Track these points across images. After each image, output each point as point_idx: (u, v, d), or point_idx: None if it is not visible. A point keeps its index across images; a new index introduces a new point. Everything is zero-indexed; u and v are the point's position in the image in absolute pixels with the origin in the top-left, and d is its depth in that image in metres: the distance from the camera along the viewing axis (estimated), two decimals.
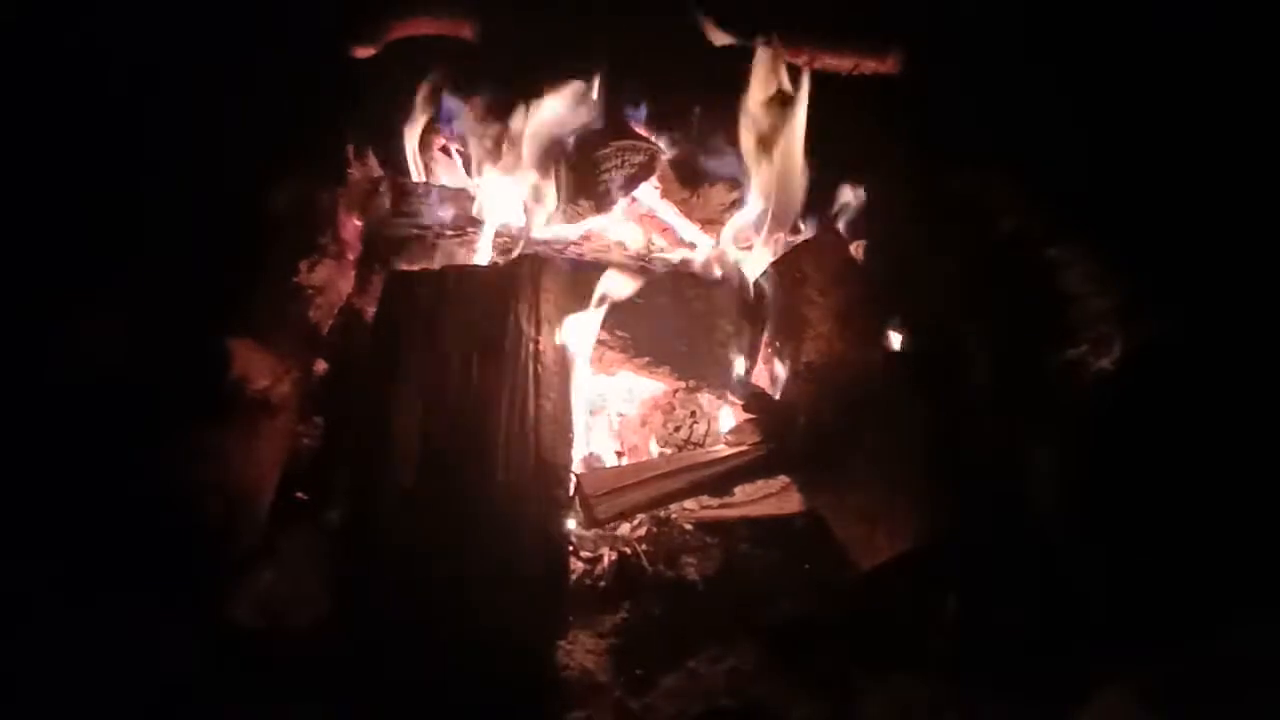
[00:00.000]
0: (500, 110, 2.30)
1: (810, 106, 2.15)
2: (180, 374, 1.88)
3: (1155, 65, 2.10)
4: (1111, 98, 2.10)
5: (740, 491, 2.06)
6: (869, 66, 2.36)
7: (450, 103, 2.33)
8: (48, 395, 1.87)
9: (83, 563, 1.75)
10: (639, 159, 2.30)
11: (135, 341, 1.92)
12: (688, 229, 2.40)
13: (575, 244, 2.26)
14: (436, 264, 2.17)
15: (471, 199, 2.32)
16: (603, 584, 1.93)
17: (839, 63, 2.35)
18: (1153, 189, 1.98)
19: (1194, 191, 1.97)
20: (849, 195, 2.26)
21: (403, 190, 2.30)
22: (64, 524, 1.78)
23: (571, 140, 2.29)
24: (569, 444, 1.92)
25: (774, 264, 2.17)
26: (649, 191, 2.40)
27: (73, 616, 1.71)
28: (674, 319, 2.14)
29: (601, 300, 2.04)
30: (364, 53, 2.37)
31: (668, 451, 2.13)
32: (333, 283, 2.16)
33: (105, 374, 1.88)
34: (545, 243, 2.23)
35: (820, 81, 2.23)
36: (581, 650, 1.81)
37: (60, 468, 1.81)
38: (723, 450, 2.03)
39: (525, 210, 2.29)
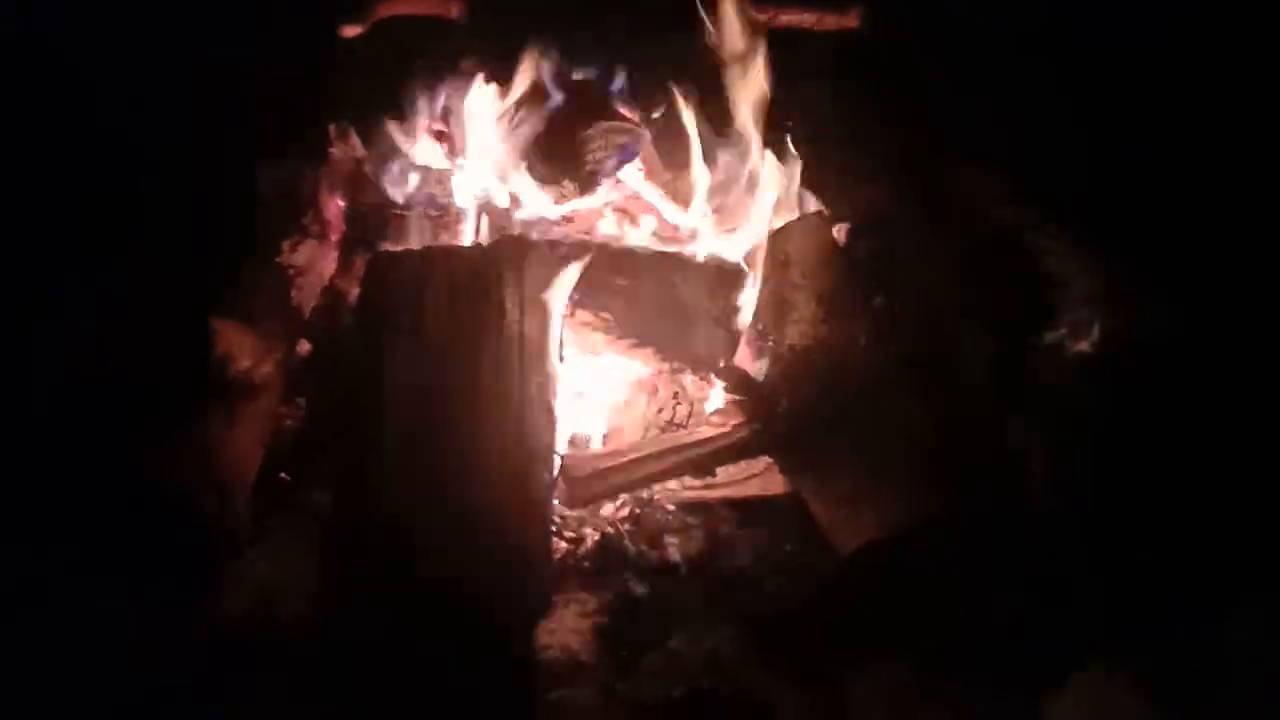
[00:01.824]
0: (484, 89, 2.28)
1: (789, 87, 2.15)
2: (162, 355, 1.87)
3: (1148, 58, 2.11)
4: (1105, 90, 2.11)
5: (723, 473, 2.07)
6: (830, 23, 2.37)
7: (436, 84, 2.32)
8: (30, 382, 1.86)
9: (66, 549, 1.74)
10: (623, 141, 2.30)
11: (116, 324, 1.91)
12: (671, 210, 2.39)
13: (559, 225, 2.25)
14: (419, 245, 2.16)
15: (455, 180, 2.31)
16: (586, 564, 1.94)
17: (800, 19, 2.36)
18: (1142, 179, 1.99)
19: (1184, 182, 1.98)
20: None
21: (386, 171, 2.29)
22: (48, 511, 1.77)
23: (553, 119, 2.28)
24: (553, 425, 1.92)
25: (758, 246, 2.17)
26: (633, 173, 2.39)
27: (58, 604, 1.70)
28: (658, 301, 2.14)
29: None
30: (351, 31, 2.35)
31: (652, 433, 2.14)
32: (315, 263, 2.15)
33: (86, 357, 1.87)
34: (529, 224, 2.23)
35: (810, 67, 2.23)
36: (565, 630, 1.82)
37: (41, 454, 1.80)
38: (706, 432, 2.03)
39: (509, 192, 2.29)
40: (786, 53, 2.28)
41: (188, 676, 1.67)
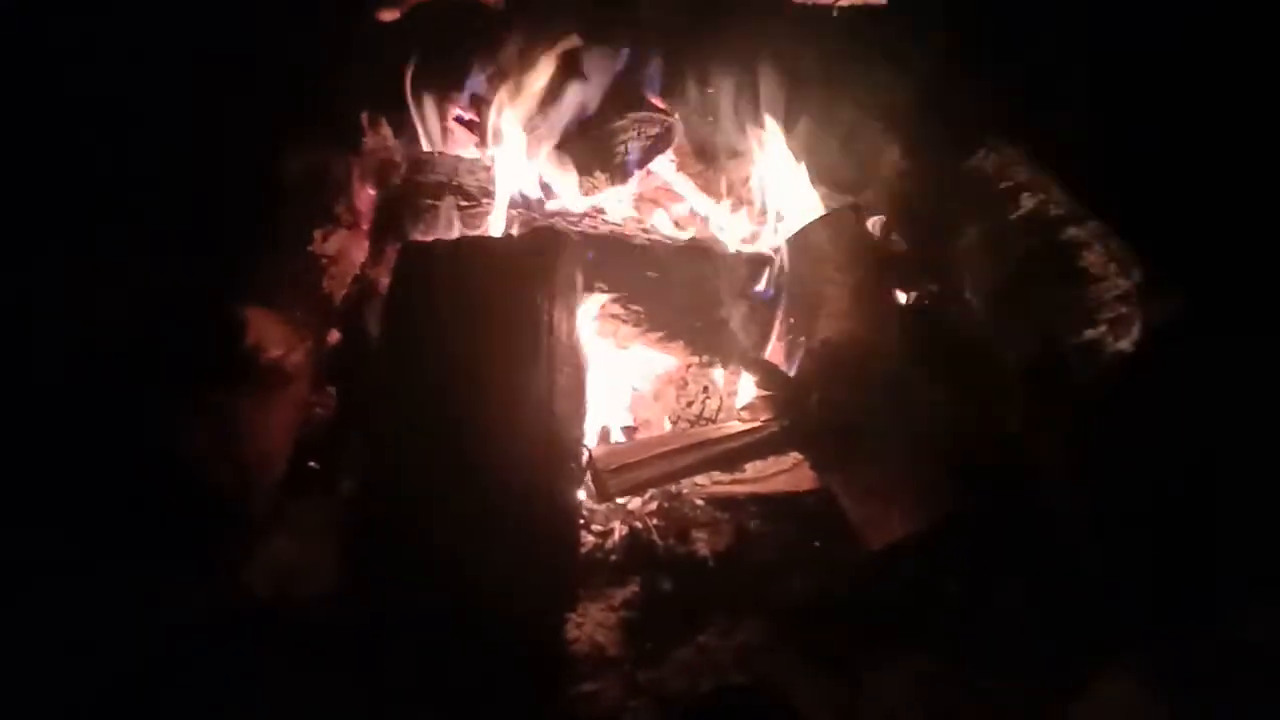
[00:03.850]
0: (517, 82, 2.28)
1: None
2: (195, 341, 1.89)
3: (1179, 47, 2.07)
4: (1135, 76, 2.08)
5: (752, 468, 2.06)
6: None
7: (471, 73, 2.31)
8: (64, 362, 1.87)
9: (96, 529, 1.75)
10: (655, 131, 2.29)
11: (151, 309, 1.92)
12: (704, 203, 2.38)
13: (590, 217, 2.24)
14: (451, 235, 2.16)
15: (487, 170, 2.30)
16: (613, 558, 1.94)
17: None
18: (1175, 170, 1.96)
19: (1216, 175, 1.95)
20: None
21: (418, 160, 2.28)
22: (77, 490, 1.79)
23: (588, 111, 2.27)
24: (582, 417, 1.91)
25: (792, 239, 2.16)
26: (665, 165, 2.38)
27: (83, 582, 1.72)
28: (689, 293, 2.13)
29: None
30: (389, 16, 2.33)
31: (681, 427, 2.13)
32: (347, 252, 2.15)
33: (120, 340, 1.88)
34: (560, 215, 2.22)
35: (838, 55, 2.20)
36: (591, 623, 1.82)
37: (75, 434, 1.82)
38: (735, 426, 2.02)
39: (540, 182, 2.28)
40: (809, 31, 2.27)
41: (198, 650, 1.68)
